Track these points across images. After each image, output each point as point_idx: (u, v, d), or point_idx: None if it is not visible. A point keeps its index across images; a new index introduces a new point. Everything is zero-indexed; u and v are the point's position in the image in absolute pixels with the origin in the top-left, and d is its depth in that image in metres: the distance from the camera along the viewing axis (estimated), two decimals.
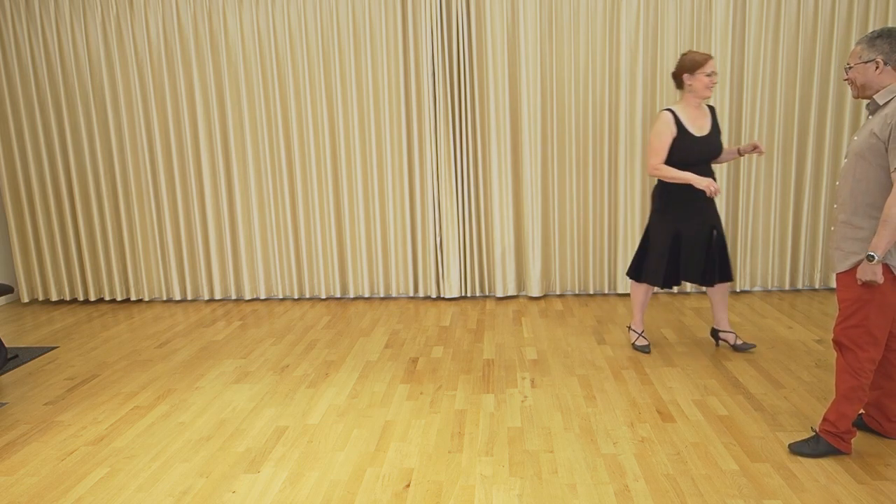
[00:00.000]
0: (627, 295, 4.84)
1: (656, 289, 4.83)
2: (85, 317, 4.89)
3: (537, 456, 2.56)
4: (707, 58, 3.19)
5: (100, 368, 3.77)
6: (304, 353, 3.86)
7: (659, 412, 2.90)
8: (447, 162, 4.69)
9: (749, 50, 4.43)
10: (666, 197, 3.39)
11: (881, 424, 2.58)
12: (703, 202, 3.37)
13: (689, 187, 3.31)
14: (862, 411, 2.65)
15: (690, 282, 3.48)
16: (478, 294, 4.99)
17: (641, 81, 4.50)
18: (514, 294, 4.92)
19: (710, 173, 3.37)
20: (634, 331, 3.71)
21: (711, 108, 3.39)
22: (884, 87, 2.28)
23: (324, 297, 5.07)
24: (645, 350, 3.64)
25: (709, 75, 3.20)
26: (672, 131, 3.26)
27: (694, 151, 3.27)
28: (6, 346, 4.26)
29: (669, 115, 3.27)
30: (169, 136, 4.91)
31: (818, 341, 3.71)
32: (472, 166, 4.74)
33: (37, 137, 4.99)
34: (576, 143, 4.66)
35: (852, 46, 4.36)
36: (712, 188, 3.15)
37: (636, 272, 3.60)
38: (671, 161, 3.30)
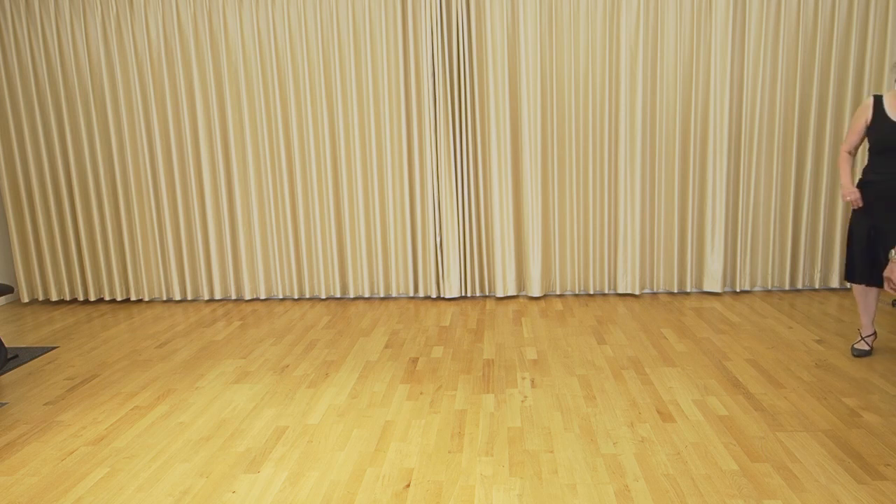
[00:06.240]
0: (628, 295, 4.84)
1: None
2: (85, 317, 4.89)
3: (537, 456, 2.56)
4: None
5: (100, 368, 3.77)
6: (304, 353, 3.86)
7: (659, 412, 2.90)
8: (447, 162, 4.69)
9: (749, 50, 4.43)
10: (862, 188, 3.31)
11: None
12: None
13: (890, 182, 3.19)
14: None
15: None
16: (478, 294, 4.99)
17: (641, 81, 4.50)
18: (515, 294, 4.92)
19: None
20: (859, 332, 3.54)
21: None
22: None
23: (324, 297, 5.07)
24: (857, 354, 3.45)
25: None
26: (866, 117, 3.24)
27: (889, 137, 3.16)
28: (6, 346, 4.26)
29: (870, 100, 3.24)
30: (169, 136, 4.91)
31: (818, 341, 3.71)
32: (472, 166, 4.74)
33: (37, 137, 4.99)
34: (576, 143, 4.66)
35: (852, 46, 4.37)
36: (848, 198, 3.20)
37: (845, 271, 3.43)
38: (868, 145, 3.28)
